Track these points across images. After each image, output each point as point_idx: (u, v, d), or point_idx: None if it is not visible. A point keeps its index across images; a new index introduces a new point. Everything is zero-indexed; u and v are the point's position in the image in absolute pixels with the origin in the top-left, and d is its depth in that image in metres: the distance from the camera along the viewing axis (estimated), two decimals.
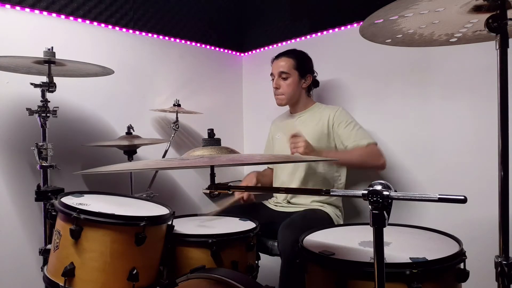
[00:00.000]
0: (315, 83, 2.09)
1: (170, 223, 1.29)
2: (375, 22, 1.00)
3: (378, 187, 0.77)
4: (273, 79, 1.99)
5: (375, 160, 1.77)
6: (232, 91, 2.82)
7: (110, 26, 2.12)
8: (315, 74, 2.05)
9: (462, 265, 1.07)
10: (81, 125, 2.01)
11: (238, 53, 2.84)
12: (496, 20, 0.84)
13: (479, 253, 1.30)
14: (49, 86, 1.56)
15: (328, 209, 1.84)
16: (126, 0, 2.16)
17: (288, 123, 2.05)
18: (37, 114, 1.58)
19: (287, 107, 2.08)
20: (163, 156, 2.22)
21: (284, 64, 1.93)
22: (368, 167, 1.85)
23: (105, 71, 1.65)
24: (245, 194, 1.94)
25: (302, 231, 1.32)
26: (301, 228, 1.37)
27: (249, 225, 1.57)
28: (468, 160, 1.76)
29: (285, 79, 1.93)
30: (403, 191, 0.77)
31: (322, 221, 1.73)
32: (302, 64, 1.94)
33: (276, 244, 1.70)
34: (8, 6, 1.77)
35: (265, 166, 2.22)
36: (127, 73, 2.18)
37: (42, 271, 1.30)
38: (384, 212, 0.77)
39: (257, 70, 2.72)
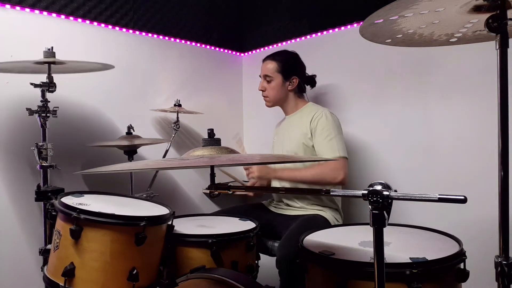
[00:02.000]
0: (311, 83, 2.08)
1: (170, 223, 1.29)
2: (375, 22, 1.00)
3: (378, 187, 0.77)
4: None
5: (331, 178, 1.72)
6: (232, 91, 2.82)
7: (110, 26, 2.11)
8: (308, 74, 2.03)
9: (462, 265, 1.07)
10: (81, 125, 2.00)
11: (238, 53, 2.84)
12: (496, 20, 0.84)
13: (479, 253, 1.30)
14: (49, 86, 1.56)
15: (328, 214, 1.83)
16: (126, 0, 2.16)
17: (282, 126, 2.06)
18: (37, 114, 1.58)
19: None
20: (164, 156, 2.22)
21: (268, 67, 1.94)
22: (323, 184, 1.78)
23: (105, 67, 1.65)
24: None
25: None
26: (297, 245, 1.28)
27: (249, 225, 1.57)
28: (468, 160, 1.76)
29: (269, 82, 1.94)
30: (403, 191, 0.77)
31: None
32: (287, 67, 1.92)
33: (275, 244, 1.70)
34: (8, 6, 1.77)
35: None
36: (127, 73, 2.18)
37: (42, 271, 1.30)
38: (384, 212, 0.77)
39: (257, 70, 2.70)
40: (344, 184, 1.78)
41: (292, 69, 1.94)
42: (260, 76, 2.00)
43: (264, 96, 1.99)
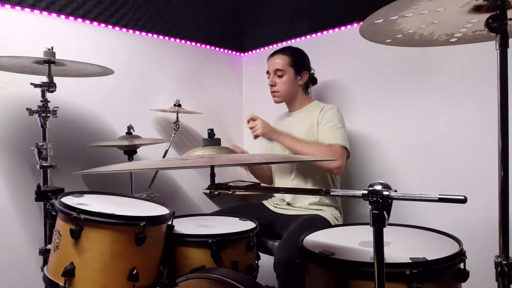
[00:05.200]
0: (313, 80, 2.07)
1: (170, 223, 1.29)
2: (375, 22, 1.00)
3: (378, 187, 0.77)
4: (269, 77, 1.97)
5: (328, 161, 1.71)
6: (232, 91, 2.82)
7: (110, 26, 2.12)
8: (312, 71, 2.03)
9: (462, 265, 1.07)
10: (81, 125, 2.01)
11: (238, 53, 2.84)
12: (496, 20, 0.85)
13: (479, 253, 1.30)
14: (49, 86, 1.56)
15: (327, 213, 1.83)
16: (126, 0, 2.16)
17: (285, 122, 2.04)
18: (37, 114, 1.58)
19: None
20: (163, 156, 2.22)
21: (279, 61, 1.91)
22: (317, 165, 1.78)
23: (105, 71, 1.65)
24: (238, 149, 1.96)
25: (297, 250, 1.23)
26: (296, 247, 1.25)
27: (249, 225, 1.57)
28: (468, 160, 1.76)
29: (280, 76, 1.91)
30: (403, 191, 0.77)
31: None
32: (298, 61, 1.93)
33: (276, 244, 1.70)
34: (8, 6, 1.77)
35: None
36: (127, 73, 2.18)
37: (42, 271, 1.30)
38: (384, 212, 0.77)
39: (257, 70, 2.72)
40: (338, 173, 1.80)
41: (303, 64, 1.95)
42: (268, 72, 1.98)
43: (274, 92, 1.96)
